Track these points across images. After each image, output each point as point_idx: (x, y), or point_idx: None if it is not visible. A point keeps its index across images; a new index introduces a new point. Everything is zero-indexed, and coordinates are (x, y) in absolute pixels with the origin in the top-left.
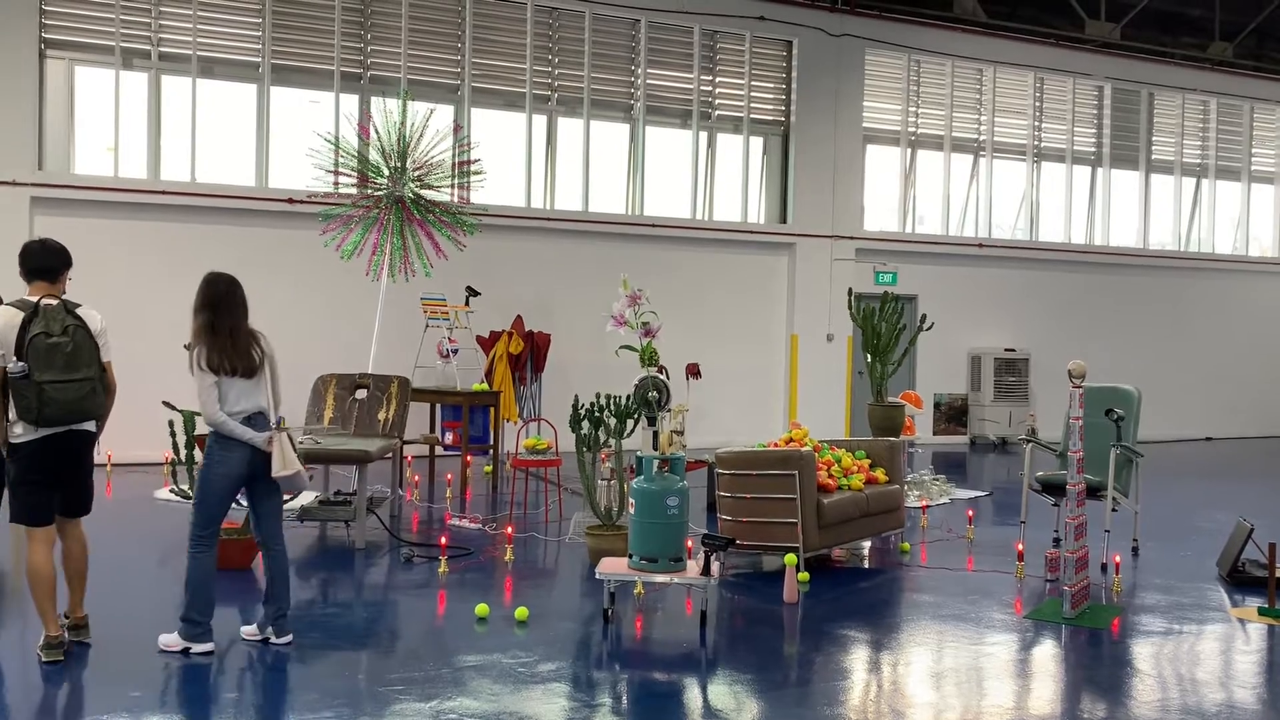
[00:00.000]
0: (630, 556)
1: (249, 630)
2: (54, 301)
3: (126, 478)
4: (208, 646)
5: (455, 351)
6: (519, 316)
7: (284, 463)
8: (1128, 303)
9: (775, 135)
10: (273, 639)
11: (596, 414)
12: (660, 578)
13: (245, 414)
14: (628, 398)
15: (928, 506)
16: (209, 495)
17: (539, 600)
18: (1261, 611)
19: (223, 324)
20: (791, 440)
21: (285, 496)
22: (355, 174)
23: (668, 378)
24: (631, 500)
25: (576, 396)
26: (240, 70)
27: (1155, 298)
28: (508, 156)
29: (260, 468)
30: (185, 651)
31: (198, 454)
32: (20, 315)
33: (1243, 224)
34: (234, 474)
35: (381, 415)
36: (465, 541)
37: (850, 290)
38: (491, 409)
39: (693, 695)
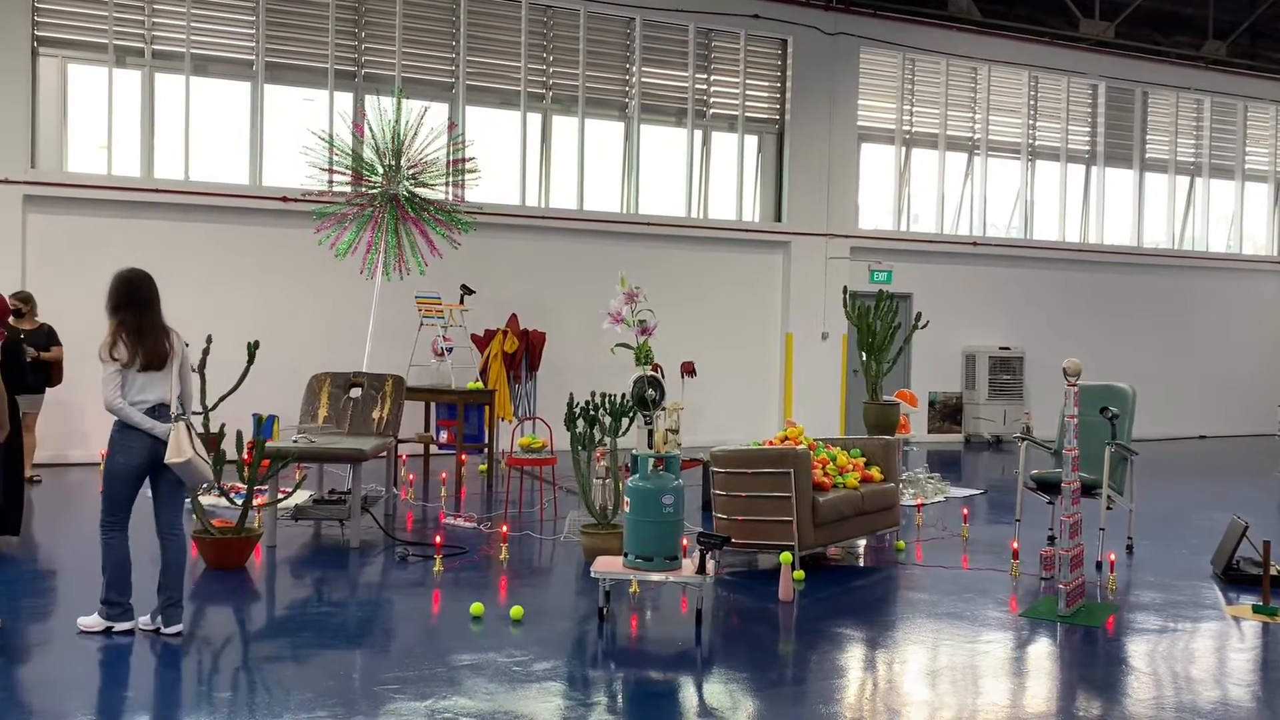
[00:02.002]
0: (625, 555)
1: (143, 620)
2: None
3: None
4: (128, 625)
5: (450, 350)
6: (514, 315)
7: (177, 450)
8: (1122, 301)
9: (770, 134)
10: (162, 629)
11: (592, 412)
12: (655, 576)
13: (149, 405)
14: (623, 396)
15: (923, 505)
16: (113, 482)
17: (534, 599)
18: (1256, 609)
19: (134, 318)
20: (787, 438)
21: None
22: (349, 172)
23: (663, 376)
24: (626, 499)
25: (571, 395)
26: (234, 68)
27: (1150, 296)
28: (502, 154)
29: (161, 457)
30: (108, 631)
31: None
32: None
33: (1237, 222)
34: (135, 462)
35: (376, 414)
36: (460, 540)
37: (845, 289)
38: (486, 407)
39: (688, 694)
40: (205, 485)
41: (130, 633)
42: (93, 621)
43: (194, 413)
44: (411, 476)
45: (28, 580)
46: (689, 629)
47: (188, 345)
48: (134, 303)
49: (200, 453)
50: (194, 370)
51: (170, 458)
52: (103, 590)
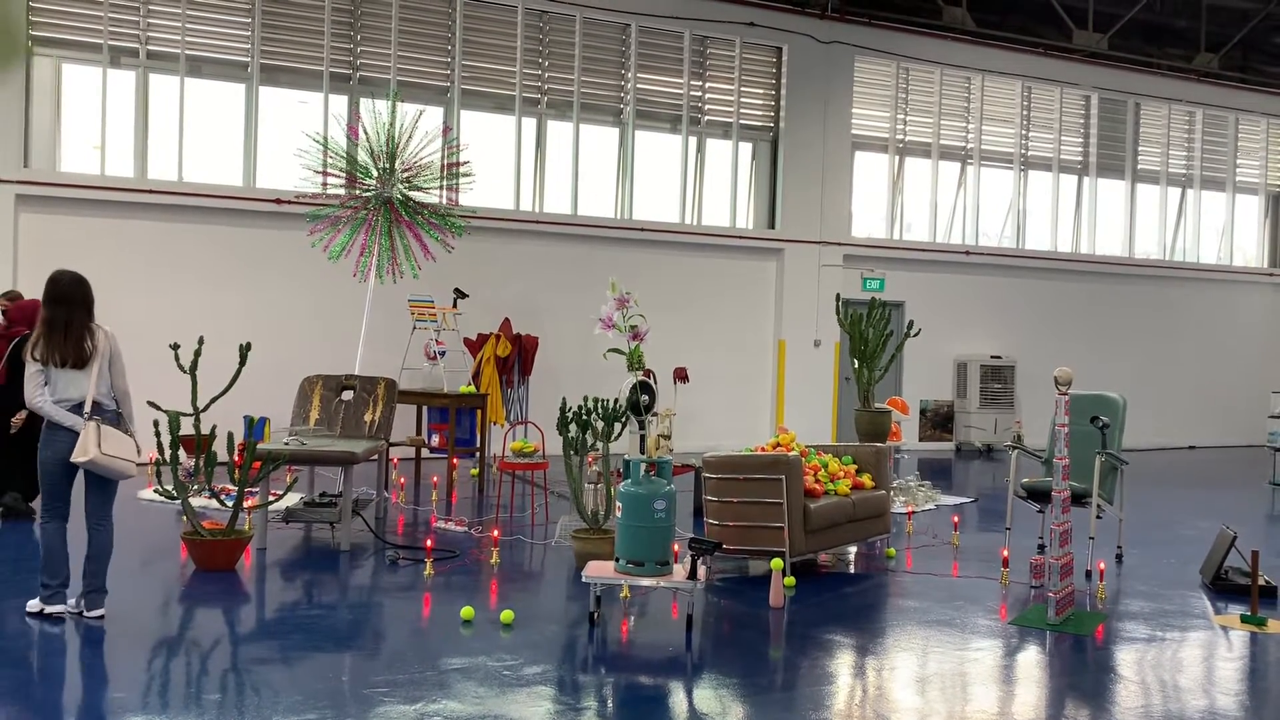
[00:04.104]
0: (617, 560)
1: (70, 603)
2: None
3: None
4: (59, 608)
5: (442, 353)
6: (507, 319)
7: (82, 449)
8: (1113, 311)
9: (764, 141)
10: (85, 612)
11: (584, 417)
12: (646, 581)
13: (72, 402)
14: (615, 401)
15: (913, 512)
16: (45, 474)
17: (525, 603)
18: (1244, 619)
19: (57, 318)
20: (779, 445)
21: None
22: (343, 175)
23: (655, 381)
24: (618, 504)
25: (564, 399)
26: (229, 70)
27: (1140, 306)
28: (497, 159)
29: None
30: (41, 613)
31: (183, 454)
32: None
33: (1227, 234)
34: (61, 455)
35: (368, 417)
36: (451, 544)
37: (838, 296)
38: (478, 411)
39: (678, 699)
40: (122, 478)
41: (61, 614)
42: (34, 603)
43: (114, 410)
44: (403, 480)
45: (7, 576)
46: (679, 634)
47: (188, 346)
48: (53, 301)
49: (110, 451)
50: (186, 366)
51: (75, 456)
52: (39, 574)
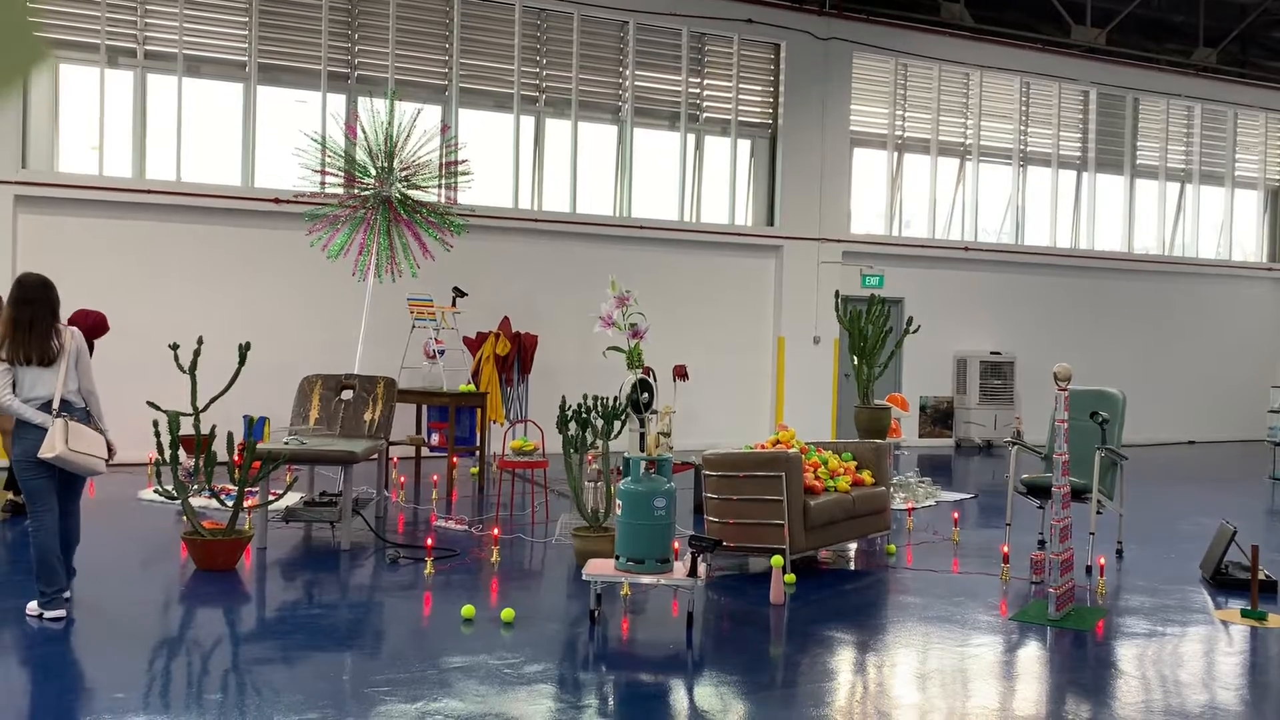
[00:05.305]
0: (617, 558)
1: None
2: None
3: (110, 478)
4: (57, 613)
5: (442, 352)
6: (506, 317)
7: (50, 446)
8: (1112, 306)
9: (762, 138)
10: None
11: (584, 415)
12: (647, 579)
13: (41, 400)
14: (614, 399)
15: (913, 509)
16: (21, 474)
17: (525, 601)
18: (1244, 613)
19: (22, 318)
20: (778, 442)
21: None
22: (342, 174)
23: (654, 379)
24: (618, 502)
25: (564, 398)
26: (226, 69)
27: (1139, 302)
28: (495, 157)
29: None
30: (40, 617)
31: (182, 454)
32: None
33: (1226, 229)
34: (30, 452)
35: (367, 416)
36: (451, 543)
37: (837, 293)
38: (478, 410)
39: (679, 697)
40: (92, 474)
41: (60, 619)
42: (32, 606)
43: (83, 409)
44: (403, 479)
45: (6, 575)
46: (680, 632)
47: (187, 346)
48: (17, 302)
49: (77, 447)
50: (186, 366)
51: (42, 453)
52: (36, 580)
